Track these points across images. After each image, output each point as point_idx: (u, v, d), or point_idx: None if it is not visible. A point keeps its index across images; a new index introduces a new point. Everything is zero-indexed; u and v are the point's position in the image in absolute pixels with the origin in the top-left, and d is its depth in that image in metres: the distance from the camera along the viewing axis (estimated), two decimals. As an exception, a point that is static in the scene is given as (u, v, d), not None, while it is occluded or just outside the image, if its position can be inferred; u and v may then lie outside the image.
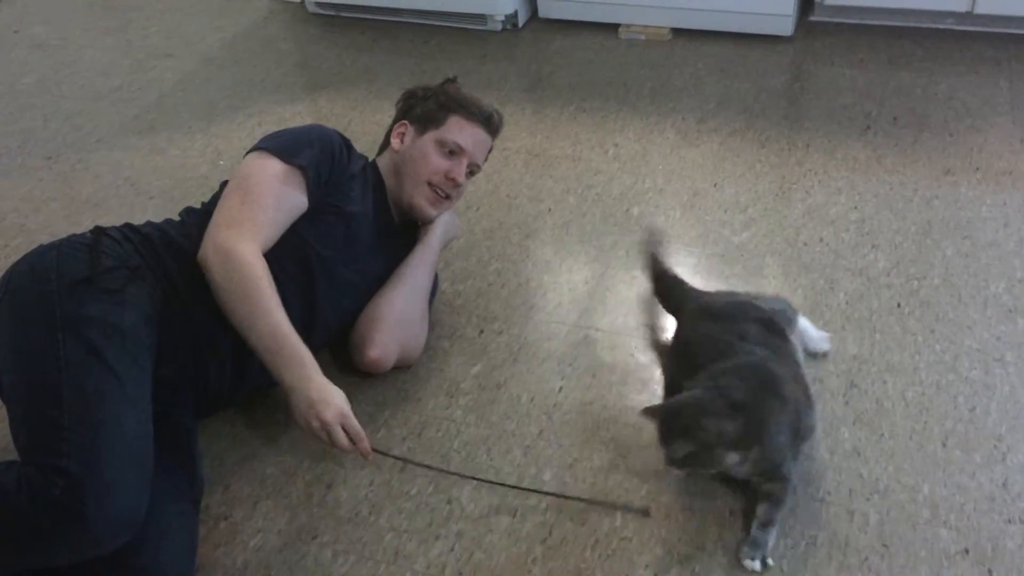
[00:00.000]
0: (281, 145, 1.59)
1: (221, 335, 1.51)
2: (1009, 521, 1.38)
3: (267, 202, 1.54)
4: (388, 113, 1.93)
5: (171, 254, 1.53)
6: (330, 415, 1.40)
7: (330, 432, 1.40)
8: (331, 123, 2.50)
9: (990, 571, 1.31)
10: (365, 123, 2.65)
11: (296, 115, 2.75)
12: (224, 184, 1.64)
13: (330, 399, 1.41)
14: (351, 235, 1.67)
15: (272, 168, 1.56)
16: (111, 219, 2.01)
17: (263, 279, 1.45)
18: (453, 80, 1.88)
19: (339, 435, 1.41)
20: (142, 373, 1.37)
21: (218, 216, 1.52)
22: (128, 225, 1.59)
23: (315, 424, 1.40)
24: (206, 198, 1.70)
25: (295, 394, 1.41)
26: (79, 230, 1.57)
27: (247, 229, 1.49)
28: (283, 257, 1.56)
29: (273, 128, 1.82)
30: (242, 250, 1.46)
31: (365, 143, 1.94)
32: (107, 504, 1.20)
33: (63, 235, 1.55)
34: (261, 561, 1.40)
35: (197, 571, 1.37)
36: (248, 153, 1.61)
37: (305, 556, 1.41)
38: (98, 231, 1.53)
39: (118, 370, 1.32)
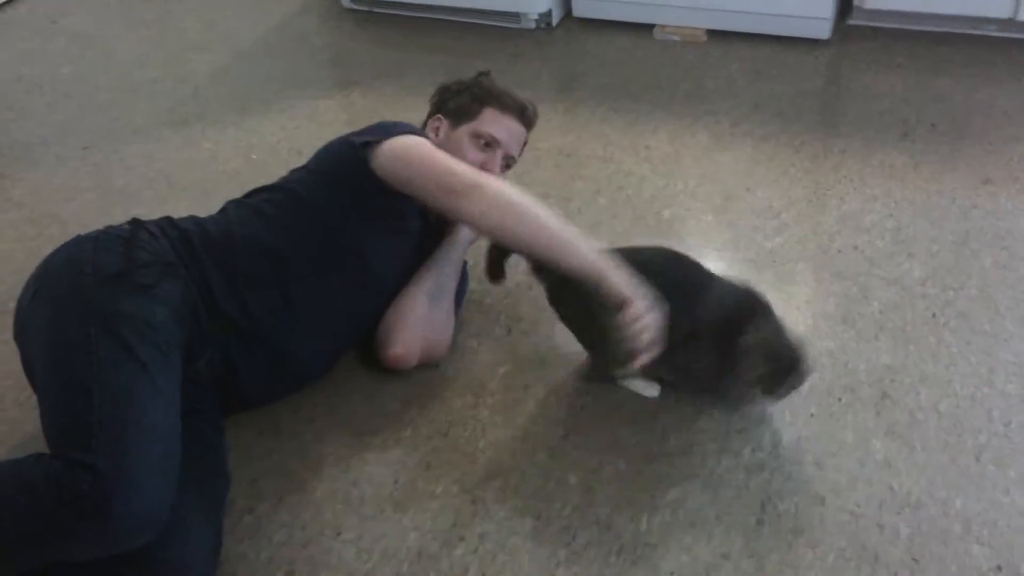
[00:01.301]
0: (411, 130, 1.68)
1: (257, 337, 1.51)
2: (1044, 539, 1.35)
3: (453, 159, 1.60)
4: (421, 110, 1.93)
5: (208, 252, 1.53)
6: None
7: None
8: (363, 119, 2.50)
9: (1024, 590, 1.29)
10: (397, 119, 2.65)
11: (328, 110, 2.76)
12: (296, 173, 1.69)
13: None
14: (399, 235, 1.68)
15: (417, 139, 1.63)
16: (144, 211, 2.03)
17: (517, 193, 1.52)
18: (487, 73, 1.88)
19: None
20: (172, 370, 1.38)
21: (451, 166, 1.56)
22: (168, 219, 1.60)
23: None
24: (237, 192, 1.71)
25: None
26: (112, 221, 1.58)
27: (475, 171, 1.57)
28: (326, 259, 1.57)
29: (305, 123, 1.85)
30: (502, 183, 1.54)
31: (397, 140, 1.93)
32: (133, 502, 1.20)
33: (96, 226, 1.56)
34: (285, 556, 1.41)
35: (220, 565, 1.38)
36: (376, 143, 1.61)
37: (329, 552, 1.41)
38: (136, 224, 1.54)
39: (149, 366, 1.32)
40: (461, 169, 1.55)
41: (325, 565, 1.39)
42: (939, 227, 2.02)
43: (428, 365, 1.74)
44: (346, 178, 1.62)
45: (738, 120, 2.51)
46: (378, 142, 1.60)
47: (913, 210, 2.08)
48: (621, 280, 1.44)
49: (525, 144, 1.87)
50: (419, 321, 1.71)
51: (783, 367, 1.47)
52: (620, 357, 1.43)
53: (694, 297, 1.51)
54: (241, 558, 1.40)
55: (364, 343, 1.74)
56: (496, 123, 1.77)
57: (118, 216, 1.58)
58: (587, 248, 1.48)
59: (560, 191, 2.28)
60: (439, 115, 1.83)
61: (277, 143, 2.59)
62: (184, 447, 1.33)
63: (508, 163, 1.82)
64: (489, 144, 1.76)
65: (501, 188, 1.51)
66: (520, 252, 1.58)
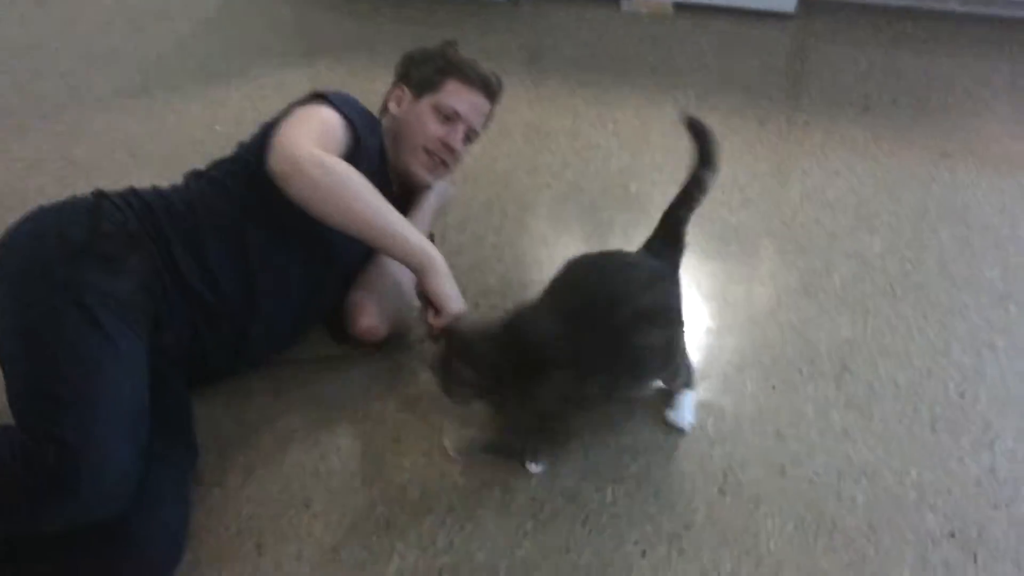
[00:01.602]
0: (337, 99, 1.60)
1: (221, 308, 1.51)
2: (995, 507, 1.40)
3: (329, 137, 1.54)
4: (388, 82, 1.92)
5: (172, 224, 1.52)
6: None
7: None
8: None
9: (975, 555, 1.33)
10: (364, 91, 2.58)
11: (295, 81, 2.74)
12: (244, 142, 1.66)
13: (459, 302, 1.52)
14: None
15: (330, 114, 1.57)
16: (107, 182, 2.00)
17: (358, 175, 1.48)
18: (452, 44, 1.85)
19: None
20: (138, 342, 1.37)
21: (284, 135, 1.49)
22: (132, 190, 1.58)
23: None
24: (203, 164, 1.69)
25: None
26: (75, 193, 1.56)
27: (319, 145, 1.49)
28: (286, 231, 1.56)
29: (271, 93, 1.82)
30: (324, 155, 1.46)
31: (364, 112, 1.92)
32: (101, 474, 1.20)
33: (58, 197, 1.54)
34: (253, 528, 1.41)
35: (189, 538, 1.38)
36: (299, 102, 1.60)
37: (298, 525, 1.42)
38: (99, 195, 1.52)
39: (115, 338, 1.32)
40: (301, 152, 1.45)
41: (294, 537, 1.40)
42: (899, 201, 2.06)
43: (396, 339, 1.74)
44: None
45: (704, 94, 2.53)
46: (313, 99, 1.59)
47: (874, 184, 2.12)
48: (441, 282, 1.49)
49: (490, 117, 1.86)
50: (387, 292, 1.71)
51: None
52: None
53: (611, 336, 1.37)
54: (210, 531, 1.41)
55: (333, 315, 1.74)
56: (459, 96, 1.76)
57: (81, 188, 1.56)
58: (416, 237, 1.50)
59: (527, 165, 2.28)
60: (402, 84, 1.82)
61: (242, 114, 2.56)
62: (151, 419, 1.33)
63: (470, 137, 1.81)
64: (451, 118, 1.75)
65: (328, 161, 1.46)
66: (347, 230, 1.50)
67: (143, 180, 1.70)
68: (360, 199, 1.47)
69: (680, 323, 1.48)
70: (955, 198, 2.06)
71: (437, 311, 1.52)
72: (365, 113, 1.67)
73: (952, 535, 1.36)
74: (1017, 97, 2.42)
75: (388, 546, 1.38)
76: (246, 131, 2.36)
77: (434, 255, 1.51)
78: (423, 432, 1.57)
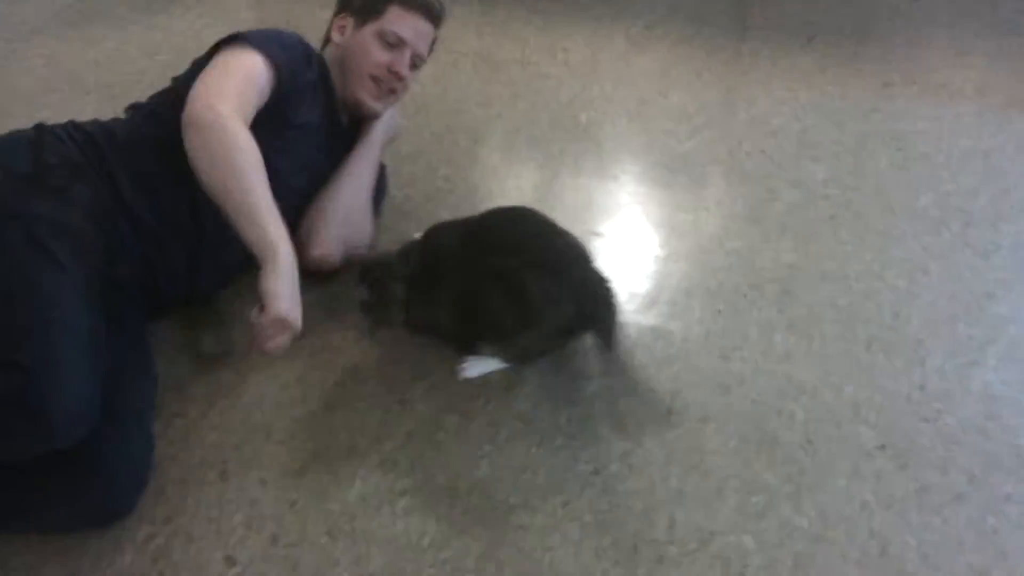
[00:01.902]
0: (259, 39, 1.56)
1: (170, 238, 1.51)
2: (924, 420, 1.49)
3: (249, 85, 1.50)
4: (333, 7, 1.89)
5: (116, 154, 1.50)
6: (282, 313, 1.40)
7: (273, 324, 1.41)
8: (274, 17, 2.45)
9: (904, 465, 1.42)
10: (311, 18, 2.57)
11: (238, 7, 2.68)
12: (178, 77, 1.62)
13: (290, 304, 1.41)
14: (299, 144, 1.66)
15: (251, 57, 1.53)
16: (48, 114, 1.96)
17: (251, 152, 1.43)
18: None
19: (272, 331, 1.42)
20: (92, 272, 1.37)
21: (201, 86, 1.46)
22: (72, 123, 1.56)
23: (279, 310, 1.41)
24: (145, 94, 1.67)
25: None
26: (15, 125, 1.53)
27: (234, 100, 1.46)
28: None
29: (213, 21, 1.79)
30: (230, 120, 1.43)
31: (311, 39, 1.90)
32: (63, 399, 1.21)
33: (-1, 130, 1.51)
34: (217, 457, 1.45)
35: (154, 466, 1.41)
36: (222, 44, 1.56)
37: (261, 452, 1.45)
38: (40, 128, 1.50)
39: (68, 269, 1.32)
40: (200, 95, 1.44)
41: (258, 464, 1.44)
42: (841, 129, 2.12)
43: (352, 266, 1.75)
44: None
45: (654, 23, 2.53)
46: (233, 40, 1.55)
47: (818, 113, 2.17)
48: (276, 279, 1.41)
49: (435, 42, 1.85)
50: (339, 221, 1.72)
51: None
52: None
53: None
54: (175, 460, 1.44)
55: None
56: (401, 21, 1.74)
57: (21, 120, 1.54)
58: (274, 228, 1.43)
59: (478, 95, 2.28)
60: (344, 13, 1.80)
61: (185, 43, 2.51)
62: (110, 350, 1.35)
63: (416, 63, 1.80)
64: (395, 44, 1.74)
65: (217, 126, 1.42)
66: (215, 195, 1.46)
67: (86, 110, 1.68)
68: (237, 177, 1.42)
69: (542, 327, 1.47)
70: (895, 127, 2.12)
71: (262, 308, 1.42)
72: (295, 47, 1.63)
73: (883, 447, 1.45)
74: (959, 27, 2.47)
75: (351, 470, 1.42)
76: (188, 60, 2.32)
77: (280, 251, 1.42)
78: (381, 362, 1.60)
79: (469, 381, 1.54)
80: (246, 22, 2.60)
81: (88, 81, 2.36)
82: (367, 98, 1.75)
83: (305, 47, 1.68)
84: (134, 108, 1.65)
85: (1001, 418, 1.48)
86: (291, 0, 2.70)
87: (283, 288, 1.41)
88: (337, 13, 1.81)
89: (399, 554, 1.30)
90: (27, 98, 2.29)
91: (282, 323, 1.40)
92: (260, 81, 1.53)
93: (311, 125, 1.68)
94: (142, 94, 1.68)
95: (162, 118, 1.57)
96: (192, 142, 1.43)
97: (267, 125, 1.56)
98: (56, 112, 2.14)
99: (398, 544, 1.31)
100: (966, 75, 2.30)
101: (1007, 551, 1.30)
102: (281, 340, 1.42)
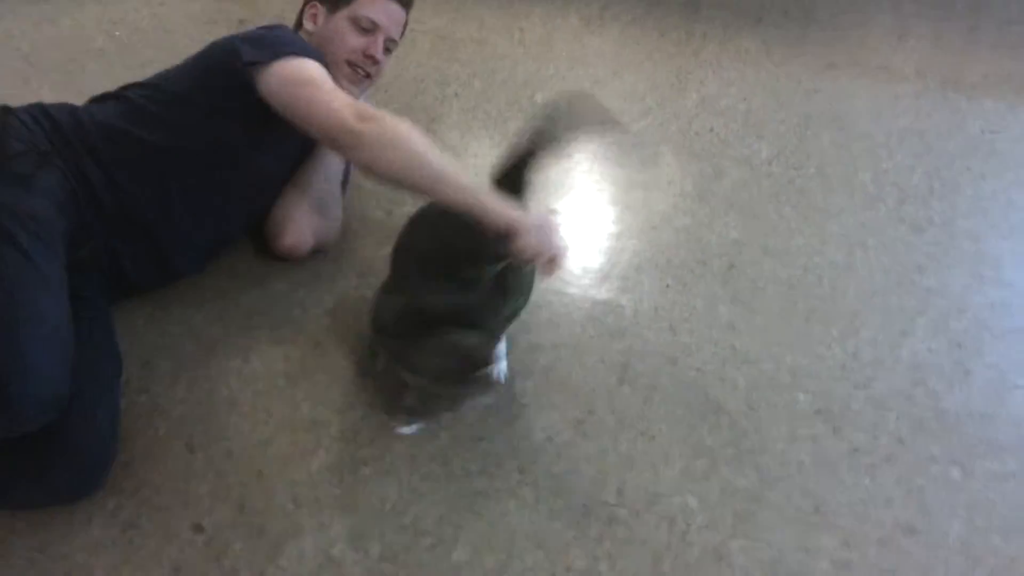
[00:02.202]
0: (297, 49, 1.58)
1: (133, 225, 1.53)
2: (856, 386, 1.58)
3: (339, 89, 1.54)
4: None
5: (83, 142, 1.51)
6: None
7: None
8: None
9: (838, 428, 1.51)
10: (268, 2, 2.60)
11: (197, -14, 2.67)
12: (169, 74, 1.64)
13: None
14: (288, 136, 1.68)
15: (313, 66, 1.56)
16: (4, 93, 1.96)
17: (421, 139, 1.45)
18: None
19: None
20: (57, 259, 1.39)
21: (333, 108, 1.47)
22: (39, 106, 1.56)
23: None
24: (103, 73, 1.68)
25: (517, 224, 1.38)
26: (-30, 105, 1.54)
27: (364, 106, 1.49)
28: (206, 154, 1.58)
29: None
30: (388, 120, 1.45)
31: (271, 17, 1.93)
32: (30, 386, 1.24)
33: (-47, 108, 1.52)
34: (182, 431, 1.49)
35: (120, 440, 1.45)
36: (262, 64, 1.55)
37: (226, 425, 1.50)
38: (6, 111, 1.51)
39: (34, 257, 1.33)
40: (345, 114, 1.45)
41: (222, 436, 1.48)
42: (786, 109, 2.20)
43: (316, 252, 1.81)
44: (229, 94, 1.58)
45: (608, 3, 2.59)
46: (266, 64, 1.55)
47: (764, 93, 2.25)
48: (502, 210, 1.39)
49: (405, 26, 1.89)
50: (309, 211, 1.76)
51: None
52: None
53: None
54: (141, 434, 1.48)
55: (257, 230, 1.79)
56: (374, 6, 1.77)
57: (-23, 100, 1.55)
58: (465, 185, 1.42)
59: (436, 74, 2.32)
60: (315, 1, 1.82)
61: (142, 20, 2.50)
62: (76, 333, 1.38)
63: (389, 47, 1.83)
64: (368, 29, 1.77)
65: (382, 133, 1.44)
66: (407, 192, 1.50)
67: (42, 88, 1.69)
68: (427, 164, 1.43)
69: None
70: (837, 107, 2.20)
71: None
72: (303, 41, 1.67)
73: (819, 412, 1.54)
74: (900, 9, 2.56)
75: (314, 441, 1.48)
76: (148, 39, 2.34)
77: (492, 199, 1.40)
78: (342, 336, 1.65)
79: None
80: (205, 1, 2.60)
81: (44, 59, 2.35)
82: (344, 83, 1.77)
83: (306, 41, 1.70)
84: (106, 96, 1.65)
85: (927, 384, 1.58)
86: (250, -22, 2.70)
87: (514, 215, 1.37)
88: (308, 1, 1.83)
89: (361, 520, 1.36)
90: (-18, 77, 2.29)
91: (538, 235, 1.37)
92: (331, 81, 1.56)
93: None
94: (102, 72, 1.70)
95: (145, 115, 1.58)
96: (372, 157, 1.44)
97: (266, 119, 1.58)
98: (11, 88, 2.14)
99: (360, 510, 1.37)
100: (907, 57, 2.39)
101: (930, 508, 1.40)
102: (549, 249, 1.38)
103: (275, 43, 1.60)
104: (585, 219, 1.91)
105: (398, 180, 1.45)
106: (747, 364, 1.61)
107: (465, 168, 1.48)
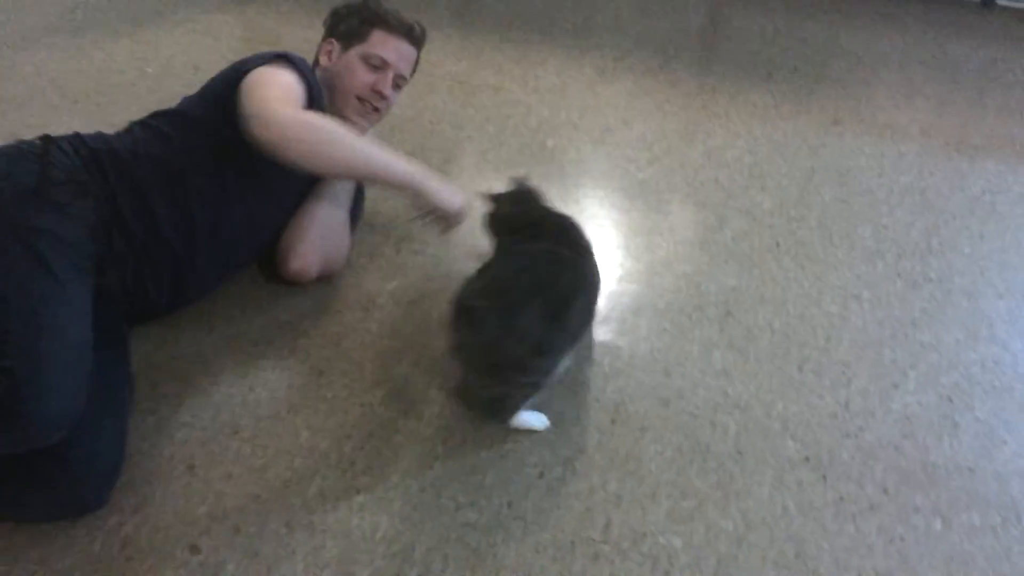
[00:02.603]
0: (288, 60, 1.68)
1: (159, 250, 1.60)
2: (846, 435, 1.60)
3: (292, 94, 1.63)
4: (318, 29, 2.00)
5: (117, 172, 1.59)
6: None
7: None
8: (260, 36, 2.56)
9: (824, 476, 1.53)
10: (294, 38, 2.70)
11: (225, 24, 2.78)
12: (190, 98, 1.73)
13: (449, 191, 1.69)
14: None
15: (288, 75, 1.66)
16: (36, 121, 2.06)
17: (335, 127, 1.57)
18: None
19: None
20: (84, 284, 1.46)
21: (264, 101, 1.56)
22: (78, 136, 1.64)
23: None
24: (133, 105, 1.76)
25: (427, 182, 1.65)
26: (3, 131, 1.62)
27: (291, 102, 1.59)
28: (227, 181, 1.66)
29: (201, 37, 1.87)
30: (299, 114, 1.56)
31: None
32: (45, 404, 1.29)
33: (-12, 134, 1.59)
34: (185, 453, 1.54)
35: (127, 459, 1.50)
36: (252, 65, 1.66)
37: (227, 449, 1.55)
38: (47, 140, 1.58)
39: (63, 280, 1.40)
40: (274, 108, 1.55)
41: (223, 460, 1.53)
42: (790, 163, 2.25)
43: (322, 281, 1.87)
44: (227, 104, 1.66)
45: (621, 55, 2.66)
46: (267, 61, 1.66)
47: (770, 147, 2.30)
48: (406, 167, 1.62)
49: (416, 63, 1.96)
50: (317, 237, 1.82)
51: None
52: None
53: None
54: (145, 454, 1.53)
55: (266, 257, 1.86)
56: (384, 44, 1.86)
57: (12, 126, 1.63)
58: (404, 162, 1.63)
59: (452, 118, 2.40)
60: (331, 38, 1.91)
61: (172, 56, 2.61)
62: (93, 354, 1.43)
63: (399, 83, 1.91)
64: (378, 66, 1.85)
65: (308, 120, 1.54)
66: (340, 176, 1.71)
67: (74, 118, 1.77)
68: (347, 148, 1.57)
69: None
70: (840, 162, 2.25)
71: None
72: (310, 71, 1.76)
73: (807, 459, 1.56)
74: (908, 69, 2.61)
75: (311, 468, 1.52)
76: (177, 74, 2.43)
77: (417, 173, 1.64)
78: (344, 367, 1.70)
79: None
80: (231, 39, 2.70)
81: (76, 90, 2.45)
82: (353, 115, 1.85)
83: (313, 72, 1.79)
84: (140, 124, 1.73)
85: (916, 437, 1.60)
86: (276, 19, 2.81)
87: (446, 191, 1.67)
88: (325, 38, 1.92)
89: (353, 546, 1.40)
90: (16, 104, 2.38)
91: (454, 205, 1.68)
92: (300, 95, 1.65)
93: None
94: (130, 104, 1.78)
95: (168, 139, 1.67)
96: (294, 152, 1.53)
97: None
98: (45, 118, 2.24)
99: (352, 537, 1.41)
100: (912, 116, 2.44)
101: (910, 558, 1.41)
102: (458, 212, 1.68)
103: (277, 56, 1.70)
104: (588, 262, 1.96)
105: (330, 166, 1.59)
106: (738, 410, 1.64)
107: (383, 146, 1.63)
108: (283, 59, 1.69)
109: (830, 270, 1.95)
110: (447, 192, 1.67)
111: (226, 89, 1.69)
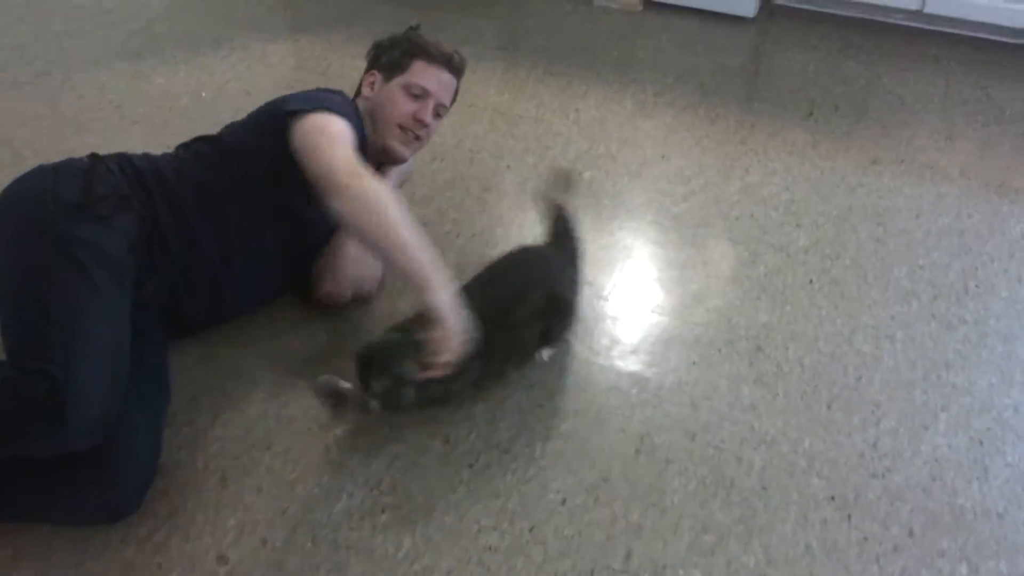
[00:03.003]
0: (337, 109, 1.71)
1: (196, 267, 1.66)
2: (873, 476, 1.59)
3: (351, 147, 1.65)
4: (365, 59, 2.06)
5: (160, 190, 1.66)
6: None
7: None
8: (310, 64, 2.64)
9: (849, 516, 1.52)
10: (343, 67, 2.77)
11: (277, 53, 2.87)
12: (233, 127, 1.80)
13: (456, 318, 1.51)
14: None
15: (341, 123, 1.68)
16: (94, 140, 2.14)
17: (398, 205, 1.55)
18: (416, 27, 2.01)
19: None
20: (123, 295, 1.52)
21: (326, 157, 1.58)
22: (124, 156, 1.72)
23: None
24: (186, 129, 1.83)
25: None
26: (63, 149, 1.69)
27: (358, 163, 1.59)
28: (266, 207, 1.73)
29: (255, 64, 1.92)
30: (373, 182, 1.56)
31: (343, 86, 2.05)
32: (83, 408, 1.34)
33: (47, 152, 1.68)
34: (218, 464, 1.58)
35: (160, 470, 1.54)
36: (302, 113, 1.67)
37: (259, 463, 1.59)
38: (95, 158, 1.66)
39: (103, 289, 1.46)
40: (340, 165, 1.57)
41: (255, 474, 1.57)
42: (827, 201, 2.25)
43: (357, 303, 1.91)
44: (270, 140, 1.71)
45: (662, 90, 2.69)
46: (304, 114, 1.68)
47: (807, 185, 2.31)
48: (443, 299, 1.48)
49: (456, 92, 2.01)
50: (351, 261, 1.87)
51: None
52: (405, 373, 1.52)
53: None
54: (179, 464, 1.57)
55: (303, 281, 1.91)
56: (425, 74, 1.91)
57: (69, 144, 1.71)
58: (428, 262, 1.51)
59: (492, 148, 2.44)
60: (373, 70, 1.97)
61: (227, 83, 2.70)
62: (131, 364, 1.49)
63: (439, 112, 1.96)
64: (419, 95, 1.90)
65: (363, 192, 1.53)
66: (370, 250, 1.70)
67: (130, 139, 1.85)
68: (393, 228, 1.52)
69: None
70: (878, 202, 2.25)
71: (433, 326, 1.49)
72: (354, 113, 1.79)
73: (832, 498, 1.55)
74: (949, 110, 2.61)
75: (339, 485, 1.55)
76: (230, 100, 2.52)
77: (439, 279, 1.51)
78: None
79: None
80: (283, 67, 2.79)
81: (134, 112, 2.55)
82: (395, 144, 1.90)
83: (355, 108, 1.84)
84: (184, 147, 1.81)
85: (944, 480, 1.58)
86: (327, 49, 2.89)
87: (452, 311, 1.49)
88: (367, 70, 1.98)
89: (375, 563, 1.42)
90: (77, 124, 2.48)
91: (451, 342, 1.49)
92: (352, 141, 1.67)
93: None
94: (184, 127, 1.84)
95: (210, 164, 1.74)
96: (345, 206, 1.53)
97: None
98: (102, 137, 2.33)
99: (375, 555, 1.43)
100: (952, 158, 2.43)
101: (934, 601, 1.40)
102: (446, 359, 1.49)
103: (321, 99, 1.74)
104: (619, 293, 1.98)
105: (364, 238, 1.58)
106: (764, 445, 1.64)
107: (430, 246, 1.53)
108: (326, 108, 1.71)
109: (864, 309, 1.94)
110: (455, 326, 1.50)
111: (268, 125, 1.74)
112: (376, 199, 1.53)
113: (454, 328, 1.48)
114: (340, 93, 1.86)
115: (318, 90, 1.85)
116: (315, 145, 1.63)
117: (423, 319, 1.49)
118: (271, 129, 1.71)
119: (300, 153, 1.63)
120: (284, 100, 1.78)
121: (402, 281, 1.59)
